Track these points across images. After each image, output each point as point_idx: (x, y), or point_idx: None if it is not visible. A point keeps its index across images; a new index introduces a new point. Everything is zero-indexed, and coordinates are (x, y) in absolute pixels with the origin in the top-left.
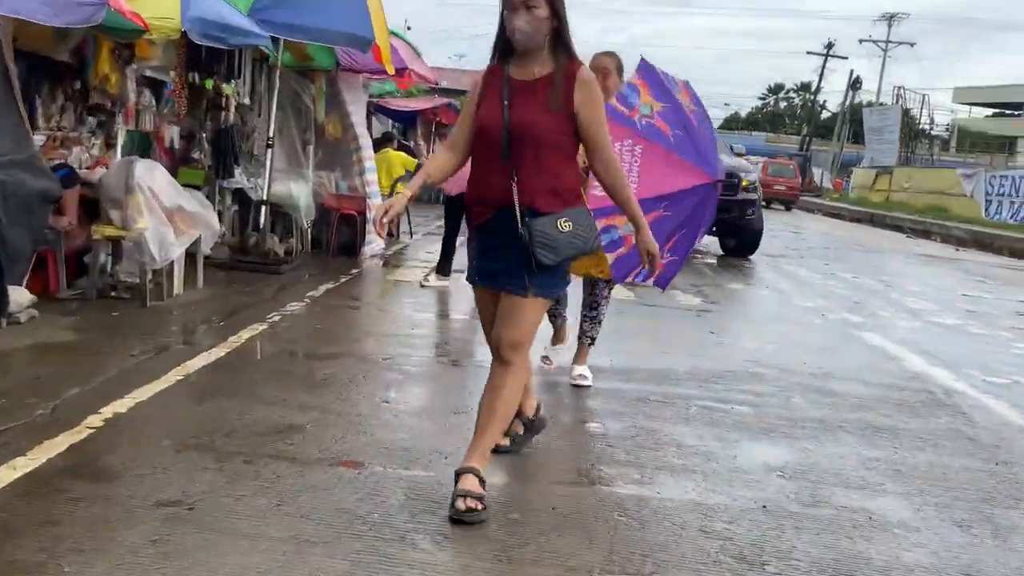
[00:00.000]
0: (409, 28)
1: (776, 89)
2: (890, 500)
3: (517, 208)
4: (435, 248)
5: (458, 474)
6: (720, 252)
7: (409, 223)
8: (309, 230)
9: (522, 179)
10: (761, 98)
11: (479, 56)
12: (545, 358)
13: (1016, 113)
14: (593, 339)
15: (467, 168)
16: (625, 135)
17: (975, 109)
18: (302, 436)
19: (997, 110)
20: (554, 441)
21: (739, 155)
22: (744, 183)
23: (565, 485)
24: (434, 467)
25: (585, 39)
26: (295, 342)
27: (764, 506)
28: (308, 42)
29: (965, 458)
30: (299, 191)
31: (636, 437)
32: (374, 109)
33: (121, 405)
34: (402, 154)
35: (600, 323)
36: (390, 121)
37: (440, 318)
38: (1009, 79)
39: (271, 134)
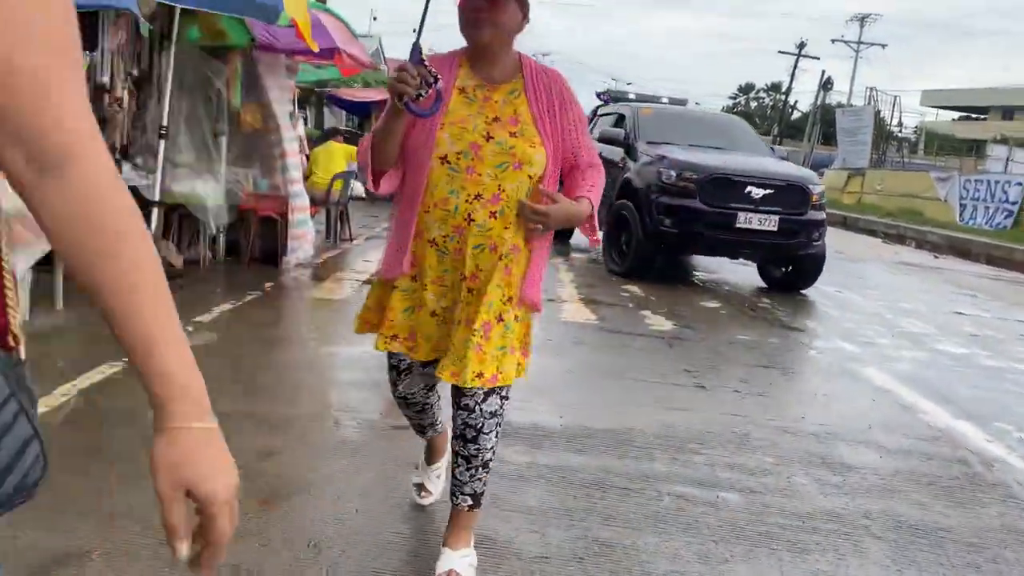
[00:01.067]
0: (375, 19)
1: (747, 89)
2: None
3: None
4: (375, 256)
5: None
6: (762, 284)
7: (348, 225)
8: (222, 235)
9: None
10: (732, 98)
11: (447, 46)
12: (419, 487)
13: (982, 117)
14: (477, 497)
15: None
16: None
17: (942, 112)
18: (78, 574)
19: (964, 114)
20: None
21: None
22: (813, 198)
23: None
24: None
25: (558, 37)
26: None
27: None
28: (195, 8)
29: None
30: (207, 190)
31: (585, 560)
32: (327, 100)
33: None
34: (348, 146)
35: (488, 466)
36: (344, 113)
37: (355, 355)
38: (976, 83)
39: (164, 122)
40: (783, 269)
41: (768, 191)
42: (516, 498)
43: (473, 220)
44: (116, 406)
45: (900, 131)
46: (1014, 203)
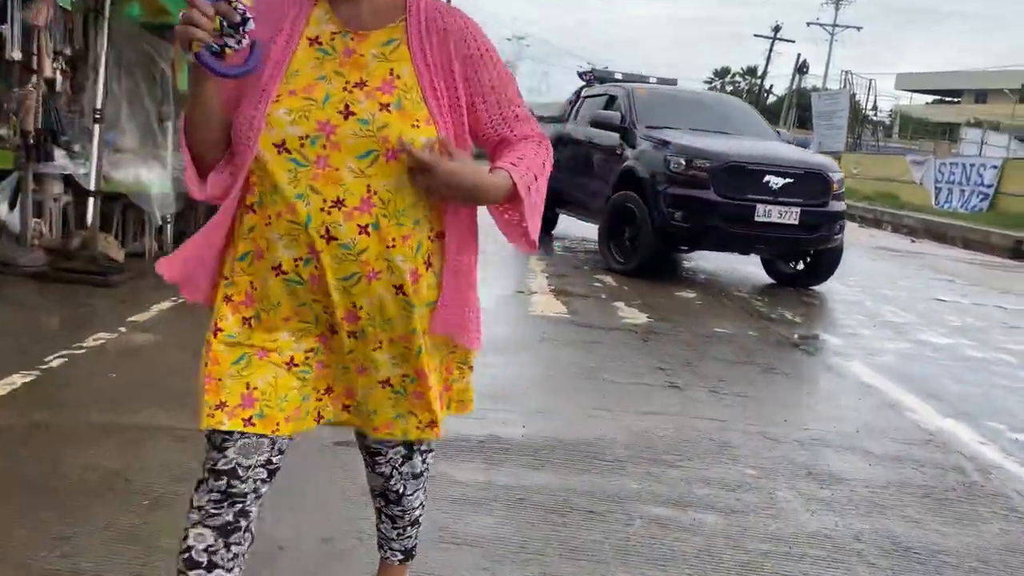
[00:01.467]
0: None
1: (722, 73)
2: None
3: None
4: None
5: None
6: (769, 280)
7: None
8: (169, 225)
9: None
10: (707, 82)
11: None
12: None
13: (956, 100)
14: (408, 551)
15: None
16: None
17: (916, 96)
18: None
19: (938, 97)
20: None
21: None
22: (834, 187)
23: None
24: None
25: (536, 21)
26: (62, 407)
27: None
28: None
29: None
30: (152, 177)
31: None
32: None
33: None
34: None
35: (418, 522)
36: None
37: None
38: (950, 66)
39: (99, 105)
40: (796, 265)
41: (787, 180)
42: (465, 527)
43: (334, 238)
44: (22, 422)
45: (875, 115)
46: (989, 186)
